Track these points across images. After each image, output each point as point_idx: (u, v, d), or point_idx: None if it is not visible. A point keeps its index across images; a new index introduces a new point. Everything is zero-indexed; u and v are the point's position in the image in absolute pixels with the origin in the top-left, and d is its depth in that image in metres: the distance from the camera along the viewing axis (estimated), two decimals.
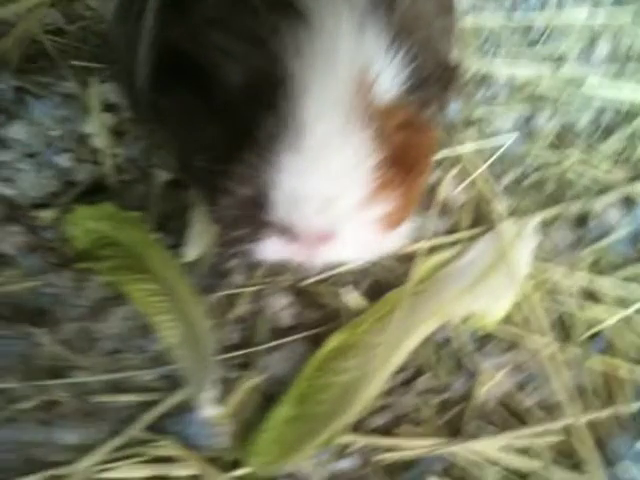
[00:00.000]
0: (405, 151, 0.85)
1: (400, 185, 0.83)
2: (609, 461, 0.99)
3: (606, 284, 1.17)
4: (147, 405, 0.99)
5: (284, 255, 0.85)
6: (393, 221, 0.85)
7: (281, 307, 1.10)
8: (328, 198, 0.78)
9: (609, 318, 1.13)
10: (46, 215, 1.16)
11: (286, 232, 0.81)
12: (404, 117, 0.85)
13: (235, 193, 0.81)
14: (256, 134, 0.79)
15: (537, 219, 1.21)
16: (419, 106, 0.88)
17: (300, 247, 0.83)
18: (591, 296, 1.17)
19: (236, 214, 0.83)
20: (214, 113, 0.84)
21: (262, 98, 0.78)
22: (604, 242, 1.23)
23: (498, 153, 1.32)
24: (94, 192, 1.22)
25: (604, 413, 1.02)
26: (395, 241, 0.89)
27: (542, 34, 1.59)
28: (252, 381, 1.02)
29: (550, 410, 1.03)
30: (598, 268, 1.21)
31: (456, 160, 1.31)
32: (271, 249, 0.85)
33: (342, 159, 0.78)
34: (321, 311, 1.11)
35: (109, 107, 1.28)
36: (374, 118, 0.78)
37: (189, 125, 0.88)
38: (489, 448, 0.97)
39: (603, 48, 1.57)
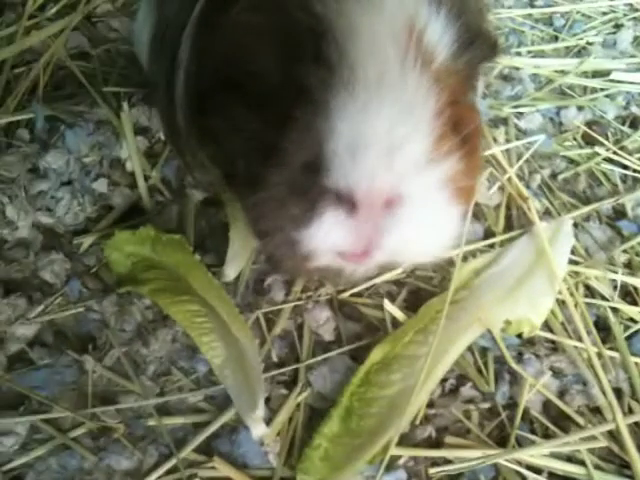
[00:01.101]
0: (457, 125, 0.82)
1: (458, 150, 0.80)
2: None
3: None
4: (197, 427, 1.01)
5: (342, 237, 0.78)
6: (457, 192, 0.81)
7: (322, 322, 1.11)
8: (389, 146, 0.73)
9: None
10: (85, 241, 1.19)
11: (345, 200, 0.74)
12: (454, 92, 0.83)
13: (289, 162, 0.77)
14: (306, 94, 0.76)
15: (571, 219, 1.21)
16: (464, 78, 0.87)
17: (362, 220, 0.76)
18: (627, 295, 1.18)
19: (289, 191, 0.77)
20: (263, 101, 0.82)
21: (308, 55, 0.76)
22: (637, 239, 1.23)
23: (529, 153, 1.32)
24: (131, 215, 1.24)
25: None
26: (456, 225, 0.85)
27: (564, 24, 1.58)
28: (298, 398, 1.03)
29: (593, 414, 1.04)
30: (632, 266, 1.21)
31: (486, 162, 1.31)
32: (327, 230, 0.77)
33: (399, 103, 0.74)
34: (361, 324, 1.12)
35: (141, 130, 1.30)
36: (427, 68, 0.76)
37: (238, 125, 0.86)
38: (535, 456, 0.98)
39: (626, 36, 1.56)
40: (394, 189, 0.75)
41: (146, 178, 1.25)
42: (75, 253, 1.18)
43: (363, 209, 0.75)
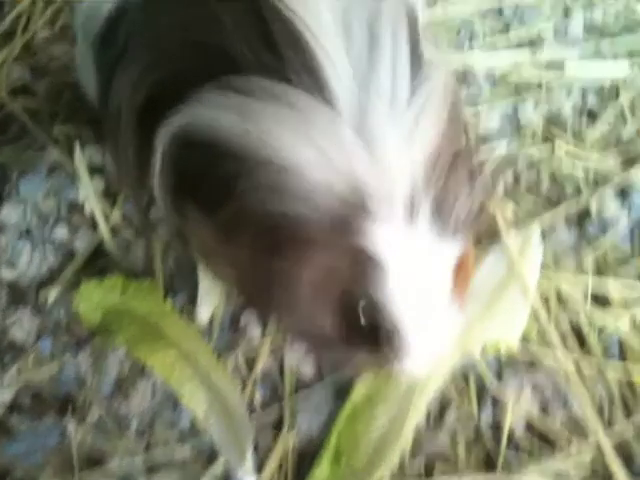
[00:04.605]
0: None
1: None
2: (637, 474, 1.01)
3: (612, 285, 1.17)
4: None
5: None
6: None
7: (301, 356, 1.10)
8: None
9: (619, 321, 1.14)
10: (52, 293, 1.15)
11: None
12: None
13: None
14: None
15: (538, 226, 1.21)
16: None
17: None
18: (599, 300, 1.17)
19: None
20: None
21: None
22: (605, 240, 1.23)
23: (493, 159, 1.31)
24: (95, 259, 1.20)
25: (626, 426, 1.05)
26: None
27: (514, 15, 1.56)
28: (286, 442, 1.03)
29: (575, 428, 1.05)
30: (602, 269, 1.21)
31: None
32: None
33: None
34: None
35: (97, 170, 1.25)
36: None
37: None
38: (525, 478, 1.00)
39: (577, 22, 1.54)
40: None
41: (107, 219, 1.22)
42: (43, 307, 1.15)
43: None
